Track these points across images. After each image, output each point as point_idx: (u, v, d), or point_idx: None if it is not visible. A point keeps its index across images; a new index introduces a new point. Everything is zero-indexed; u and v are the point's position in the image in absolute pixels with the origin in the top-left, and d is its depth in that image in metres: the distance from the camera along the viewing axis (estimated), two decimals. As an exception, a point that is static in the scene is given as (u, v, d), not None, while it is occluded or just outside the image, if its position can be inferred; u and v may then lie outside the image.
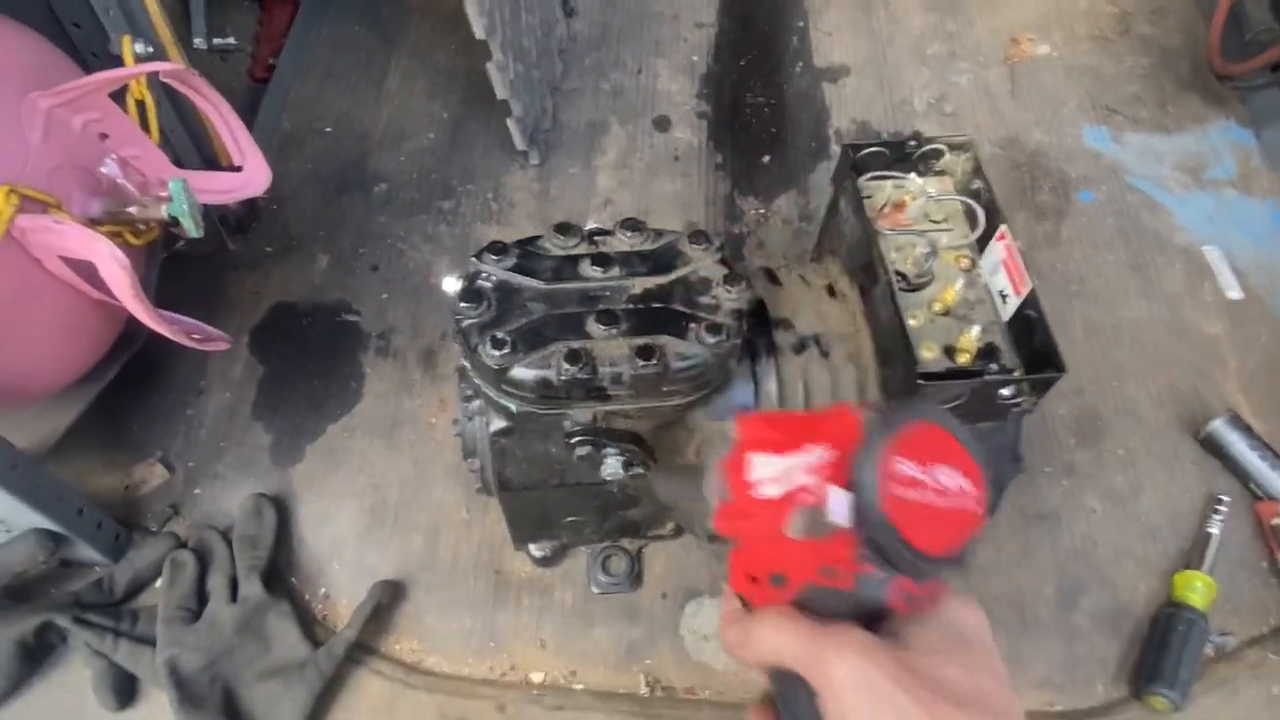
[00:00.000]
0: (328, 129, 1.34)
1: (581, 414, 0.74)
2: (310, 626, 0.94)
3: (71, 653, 0.91)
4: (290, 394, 1.09)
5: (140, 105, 0.89)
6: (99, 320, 0.86)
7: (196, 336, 0.87)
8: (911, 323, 0.76)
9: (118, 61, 0.89)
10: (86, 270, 0.77)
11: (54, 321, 0.81)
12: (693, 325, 0.72)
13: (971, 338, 0.74)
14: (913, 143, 0.83)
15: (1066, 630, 0.97)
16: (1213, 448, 1.07)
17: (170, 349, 0.96)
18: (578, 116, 1.39)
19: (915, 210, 0.82)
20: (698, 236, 0.78)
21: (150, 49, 0.91)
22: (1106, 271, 1.25)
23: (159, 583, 0.95)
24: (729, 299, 0.74)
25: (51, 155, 0.77)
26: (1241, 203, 1.33)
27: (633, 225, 0.78)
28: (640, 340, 0.71)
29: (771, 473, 0.39)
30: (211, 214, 1.12)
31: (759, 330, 0.81)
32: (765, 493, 0.39)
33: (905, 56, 1.48)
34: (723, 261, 0.77)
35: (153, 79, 0.88)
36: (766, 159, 1.35)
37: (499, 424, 0.78)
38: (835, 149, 1.35)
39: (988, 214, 0.81)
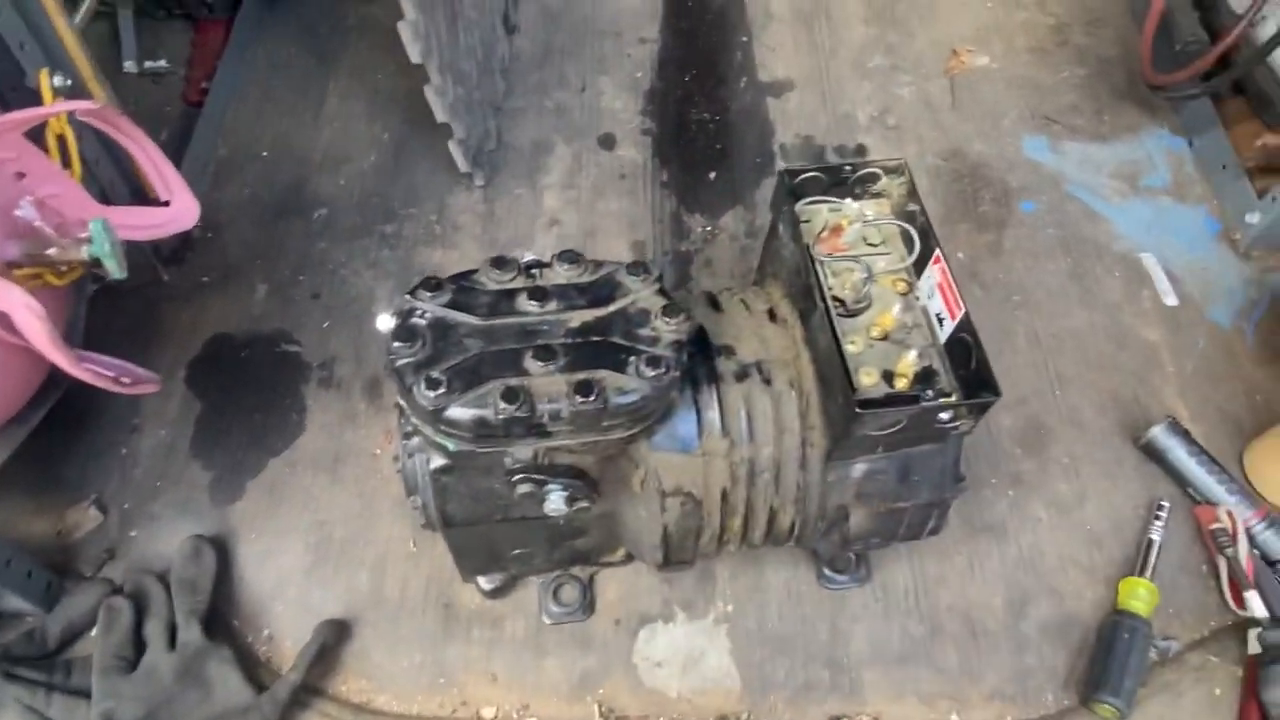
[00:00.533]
0: (265, 153, 1.32)
1: (522, 451, 0.73)
2: (254, 670, 0.92)
3: (1, 710, 0.88)
4: (229, 429, 1.07)
5: (61, 140, 0.86)
6: (21, 365, 0.83)
7: (125, 380, 0.84)
8: (850, 348, 0.76)
9: (35, 95, 0.86)
10: (3, 318, 0.74)
11: (-29, 368, 0.78)
12: (632, 358, 0.72)
13: (909, 362, 0.74)
14: (848, 167, 0.83)
15: (1016, 640, 0.98)
16: (1153, 454, 1.09)
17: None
18: (522, 136, 1.37)
19: (853, 234, 0.82)
20: (636, 267, 0.77)
21: (69, 82, 0.88)
22: (1048, 281, 1.26)
23: (94, 631, 0.92)
24: (668, 330, 0.74)
25: (-38, 198, 0.74)
26: (1176, 210, 1.36)
27: (570, 258, 0.77)
28: (579, 376, 0.70)
29: None
30: (144, 245, 1.09)
31: (701, 358, 0.81)
32: None
33: (848, 70, 1.49)
34: (661, 292, 0.77)
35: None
36: (712, 175, 1.35)
37: (439, 462, 0.76)
38: (781, 164, 1.36)
39: (923, 237, 0.81)
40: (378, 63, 1.42)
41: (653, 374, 0.71)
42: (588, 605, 0.97)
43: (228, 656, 0.90)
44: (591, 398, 0.69)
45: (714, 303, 0.87)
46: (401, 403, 0.74)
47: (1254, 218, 1.28)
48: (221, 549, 0.98)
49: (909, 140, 1.41)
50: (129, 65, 1.37)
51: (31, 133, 0.80)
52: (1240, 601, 0.97)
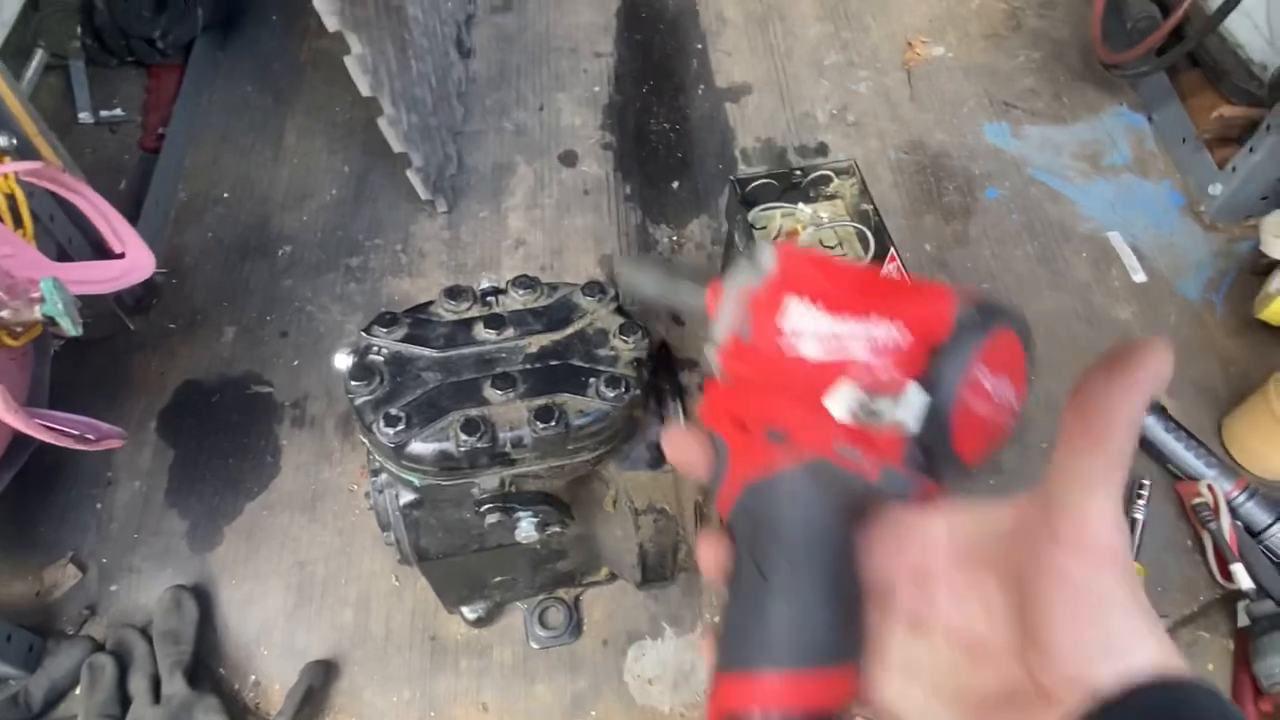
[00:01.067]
0: (226, 194, 1.31)
1: (489, 480, 0.73)
2: (242, 718, 0.91)
3: (-12, 777, 0.87)
4: (204, 475, 1.06)
5: (10, 199, 0.86)
6: (-17, 428, 0.83)
7: (90, 437, 0.84)
8: (812, 353, 0.76)
9: (-20, 156, 0.86)
10: (-43, 383, 0.73)
11: (-69, 437, 0.77)
12: (592, 380, 0.72)
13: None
14: (798, 172, 0.83)
15: (1006, 631, 0.98)
16: (1131, 433, 1.09)
17: (69, 445, 0.92)
18: (483, 159, 1.37)
19: (809, 238, 0.82)
20: (591, 288, 0.77)
21: (14, 141, 0.87)
22: (1016, 266, 1.27)
23: (78, 690, 0.91)
24: (627, 349, 0.73)
25: (-91, 266, 0.74)
26: (1139, 186, 1.36)
27: (525, 282, 0.77)
28: (539, 401, 0.70)
29: (816, 329, 0.34)
30: (107, 297, 1.08)
31: (665, 372, 0.81)
32: (803, 349, 0.34)
33: (804, 69, 1.49)
34: (619, 310, 0.76)
35: (19, 172, 0.85)
36: (676, 185, 1.35)
37: (408, 497, 0.76)
38: (743, 169, 1.36)
39: (877, 235, 0.81)
40: (334, 96, 1.42)
41: (613, 394, 0.71)
42: (575, 627, 0.97)
43: (214, 705, 0.89)
44: (553, 423, 0.69)
45: (675, 317, 0.86)
46: (365, 440, 0.73)
47: (1216, 189, 1.28)
48: (203, 597, 0.97)
49: (870, 135, 1.41)
50: (84, 116, 1.37)
51: (-22, 194, 0.80)
52: (1227, 574, 0.97)
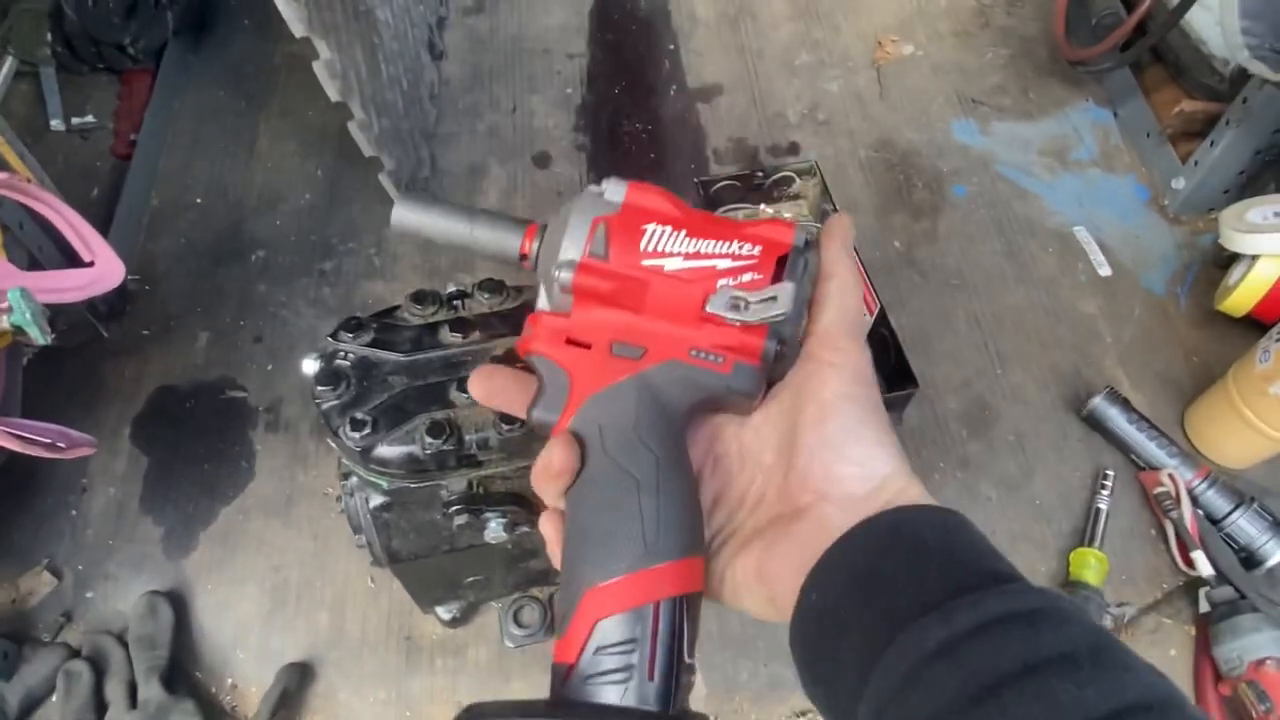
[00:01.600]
0: (198, 200, 1.31)
1: (456, 482, 0.74)
2: (219, 721, 0.92)
3: (-36, 785, 0.88)
4: (179, 481, 1.06)
5: (-23, 209, 0.86)
6: (-46, 438, 0.83)
7: (61, 445, 0.84)
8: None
9: (-54, 167, 0.86)
10: (-75, 394, 0.74)
11: (-99, 447, 0.78)
12: (557, 381, 0.73)
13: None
14: (760, 173, 0.84)
15: (974, 621, 0.99)
16: (1095, 424, 1.11)
17: (41, 453, 0.92)
18: (457, 161, 1.38)
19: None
20: (556, 290, 0.78)
21: (-20, 151, 0.87)
22: (984, 262, 1.28)
23: (54, 698, 0.91)
24: (591, 350, 0.74)
25: (-125, 278, 0.74)
26: (1105, 181, 1.38)
27: (490, 286, 0.78)
28: (504, 403, 0.71)
29: (676, 249, 0.39)
30: (80, 305, 1.08)
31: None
32: (667, 266, 0.39)
33: (776, 69, 1.51)
34: (583, 312, 0.77)
35: (-15, 182, 0.85)
36: (648, 185, 1.36)
37: (378, 499, 0.77)
38: (716, 169, 1.37)
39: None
40: (307, 100, 1.42)
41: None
42: (549, 625, 0.98)
43: (190, 710, 0.89)
44: (518, 424, 0.70)
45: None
46: (333, 444, 0.74)
47: (1179, 183, 1.31)
48: (179, 602, 0.98)
49: (840, 134, 1.42)
50: (56, 124, 1.37)
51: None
52: (1189, 561, 0.99)
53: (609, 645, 0.35)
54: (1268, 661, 0.89)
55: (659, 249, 0.39)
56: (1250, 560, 1.00)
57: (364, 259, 1.26)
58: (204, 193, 1.32)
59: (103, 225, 1.13)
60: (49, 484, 1.06)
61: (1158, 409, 1.14)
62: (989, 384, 1.17)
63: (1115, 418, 1.09)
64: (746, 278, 0.38)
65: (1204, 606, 0.98)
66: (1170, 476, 1.03)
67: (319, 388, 0.71)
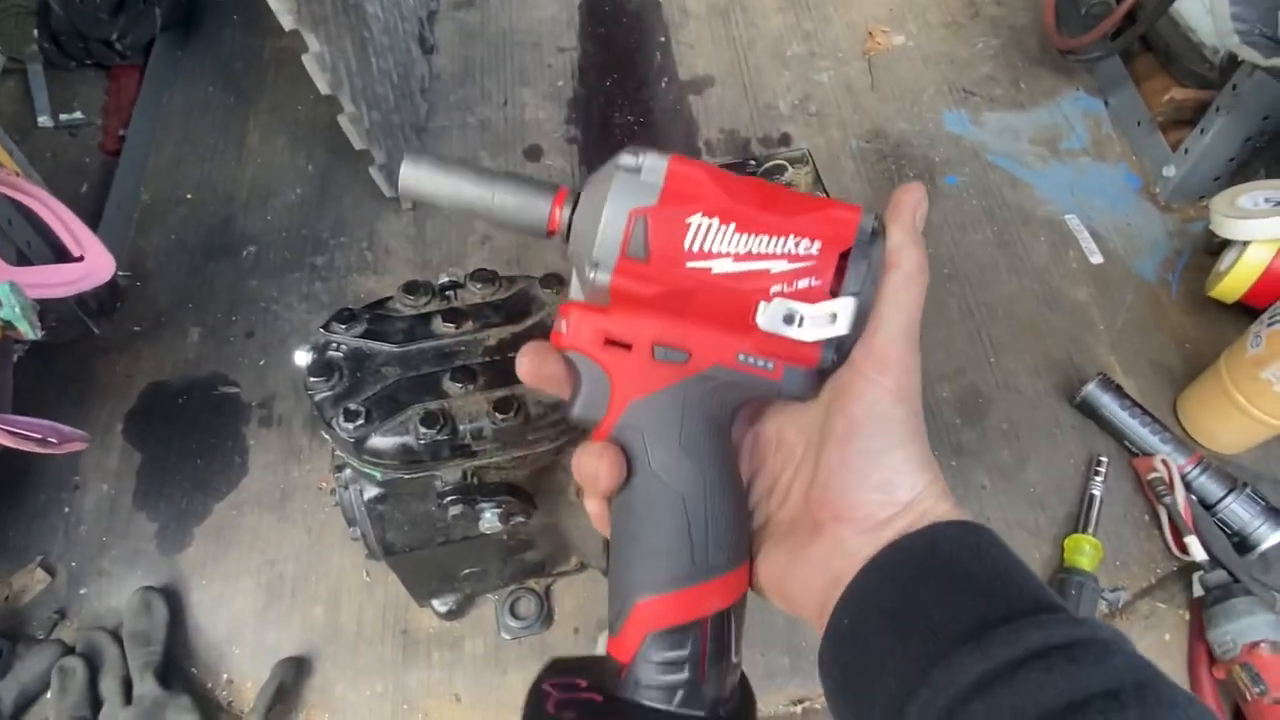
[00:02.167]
0: (189, 196, 1.31)
1: (450, 473, 0.74)
2: (215, 716, 0.91)
3: (-41, 783, 0.87)
4: (172, 477, 1.06)
5: (-36, 204, 0.85)
6: (-57, 434, 0.82)
7: (52, 440, 0.84)
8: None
9: (-67, 162, 0.86)
10: (-86, 389, 0.73)
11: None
12: (551, 370, 0.73)
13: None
14: (752, 162, 0.84)
15: (970, 608, 1.00)
16: (1088, 411, 1.11)
17: (33, 450, 0.92)
18: (448, 155, 1.37)
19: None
20: (550, 280, 0.78)
21: (-33, 145, 0.87)
22: (976, 252, 1.29)
23: (49, 694, 0.91)
24: (584, 339, 0.74)
25: None
26: (1096, 169, 1.39)
27: (483, 276, 0.78)
28: (498, 393, 0.71)
29: (725, 249, 0.34)
30: (70, 301, 1.08)
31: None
32: (715, 269, 0.34)
33: (766, 60, 1.51)
34: (576, 301, 0.77)
35: (-27, 177, 0.85)
36: (640, 177, 1.36)
37: (372, 491, 0.76)
38: (707, 160, 1.36)
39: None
40: (297, 95, 1.42)
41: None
42: (546, 617, 0.98)
43: (186, 705, 0.89)
44: (512, 414, 0.70)
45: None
46: (326, 436, 0.74)
47: (1170, 170, 1.31)
48: (173, 598, 0.97)
49: (831, 125, 1.42)
50: (44, 120, 1.36)
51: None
52: (1182, 547, 1.00)
53: (660, 657, 0.35)
54: (1261, 644, 0.89)
55: (705, 248, 0.34)
56: (1243, 544, 1.00)
57: (356, 253, 1.26)
58: (194, 188, 1.32)
59: (92, 221, 1.12)
60: (41, 481, 1.05)
61: (1150, 395, 1.14)
62: (982, 372, 1.17)
63: (1108, 404, 1.09)
64: (804, 284, 0.34)
65: (1198, 591, 0.98)
66: (1163, 462, 1.03)
67: (311, 379, 0.71)
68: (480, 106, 1.44)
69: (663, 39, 1.54)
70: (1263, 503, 1.01)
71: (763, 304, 0.34)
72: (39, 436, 0.82)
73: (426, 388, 0.71)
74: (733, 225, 0.34)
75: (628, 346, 0.37)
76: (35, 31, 1.32)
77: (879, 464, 0.35)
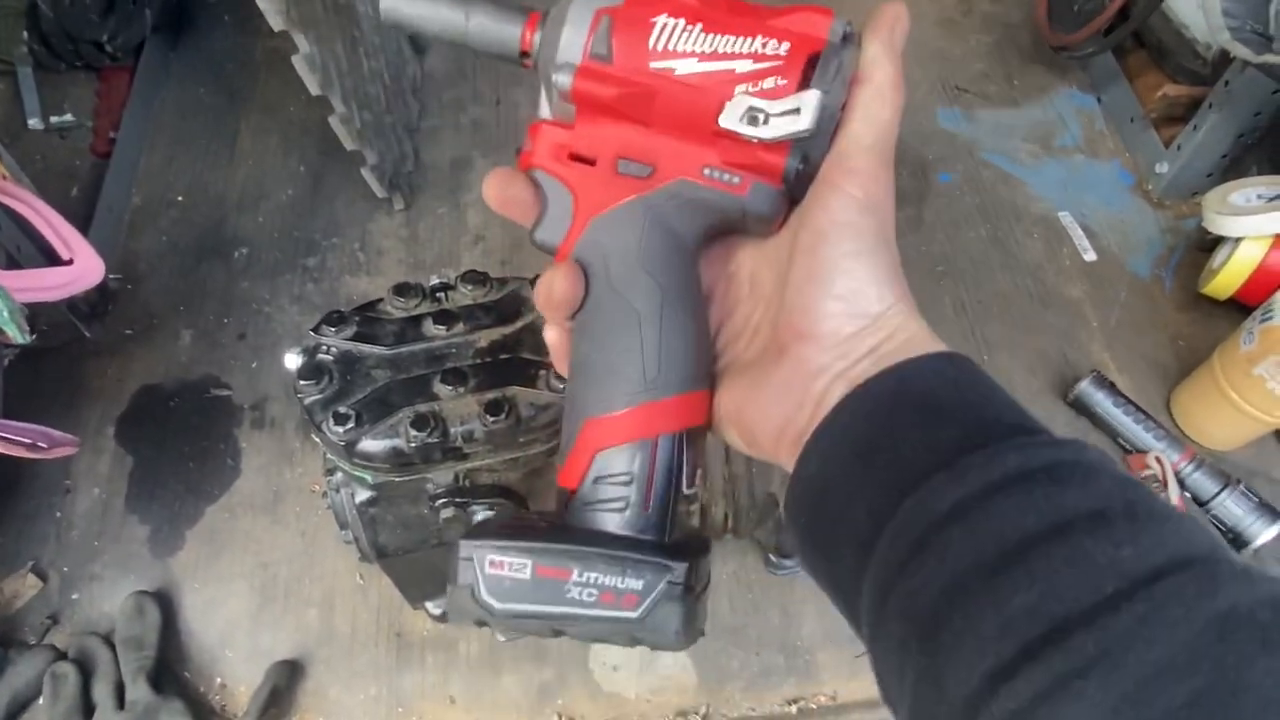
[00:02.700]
0: (180, 197, 1.30)
1: (442, 476, 0.73)
2: (208, 720, 0.91)
3: (-49, 790, 0.87)
4: (164, 481, 1.05)
5: (-48, 208, 0.85)
6: (-68, 440, 0.82)
7: (42, 445, 0.83)
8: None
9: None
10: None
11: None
12: (543, 372, 0.72)
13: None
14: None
15: (965, 606, 1.00)
16: (1082, 408, 1.11)
17: (23, 455, 0.92)
18: (440, 155, 1.37)
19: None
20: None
21: (-45, 149, 0.86)
22: (970, 249, 1.29)
23: (41, 700, 0.91)
24: (576, 340, 0.74)
25: None
26: (1089, 166, 1.39)
27: (474, 278, 0.78)
28: (489, 395, 0.71)
29: (695, 48, 0.33)
30: (60, 304, 1.07)
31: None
32: (679, 69, 0.33)
33: (759, 58, 1.50)
34: (567, 303, 0.77)
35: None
36: (633, 176, 1.35)
37: (364, 494, 0.76)
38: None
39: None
40: (289, 95, 1.41)
41: (563, 386, 0.71)
42: (540, 618, 0.98)
43: (179, 709, 0.89)
44: (503, 416, 0.69)
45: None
46: (316, 439, 0.74)
47: (1163, 167, 1.31)
48: (166, 602, 0.97)
49: (825, 123, 1.42)
50: (34, 123, 1.35)
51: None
52: (1176, 544, 0.99)
53: (607, 476, 0.35)
54: (1255, 641, 0.89)
55: (670, 48, 0.34)
56: (1237, 541, 1.00)
57: (348, 254, 1.25)
58: (185, 190, 1.31)
59: (83, 224, 1.11)
60: (32, 486, 1.05)
61: (1144, 392, 1.14)
62: (976, 370, 1.17)
63: (1102, 401, 1.09)
64: (769, 83, 0.33)
65: (1192, 587, 0.98)
66: (1157, 459, 1.03)
67: (301, 382, 0.70)
68: (473, 106, 1.43)
69: (655, 37, 1.53)
70: (1256, 499, 1.01)
71: (727, 103, 0.33)
72: (29, 441, 0.82)
73: (417, 390, 0.71)
74: (699, 26, 0.34)
75: (592, 162, 0.36)
76: (25, 33, 1.32)
77: (844, 270, 0.33)
